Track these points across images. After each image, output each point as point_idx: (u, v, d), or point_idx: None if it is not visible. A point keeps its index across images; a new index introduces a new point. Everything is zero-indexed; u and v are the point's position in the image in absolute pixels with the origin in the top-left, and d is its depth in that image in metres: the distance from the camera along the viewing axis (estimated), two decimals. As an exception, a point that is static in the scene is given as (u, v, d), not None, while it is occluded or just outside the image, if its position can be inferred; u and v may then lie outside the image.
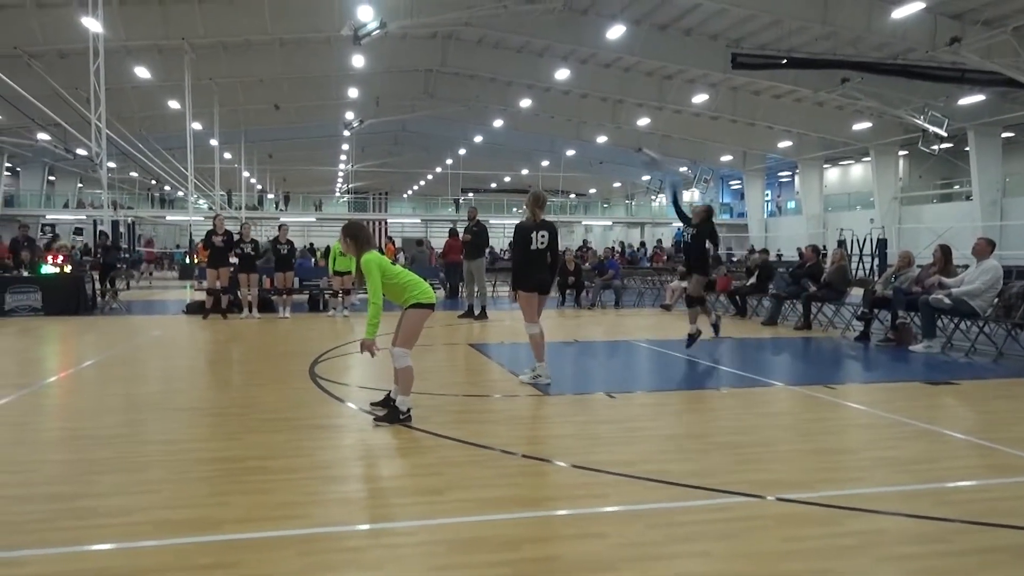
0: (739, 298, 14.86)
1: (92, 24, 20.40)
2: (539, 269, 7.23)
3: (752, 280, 14.84)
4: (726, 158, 44.35)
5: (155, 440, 5.18)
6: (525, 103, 35.31)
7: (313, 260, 20.62)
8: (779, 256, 33.79)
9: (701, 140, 40.31)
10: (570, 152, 47.61)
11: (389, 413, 5.65)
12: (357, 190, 54.99)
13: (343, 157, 50.87)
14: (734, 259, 36.83)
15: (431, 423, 5.57)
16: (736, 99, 33.45)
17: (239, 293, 14.30)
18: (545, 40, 28.70)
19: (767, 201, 47.22)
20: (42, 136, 27.90)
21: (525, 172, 53.48)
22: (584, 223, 58.06)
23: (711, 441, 5.32)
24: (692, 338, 9.45)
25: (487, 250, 17.37)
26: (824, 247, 26.75)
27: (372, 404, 6.09)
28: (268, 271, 15.39)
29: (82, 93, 22.54)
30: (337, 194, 58.72)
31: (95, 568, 3.14)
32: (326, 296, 16.08)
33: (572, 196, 57.41)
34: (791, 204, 46.07)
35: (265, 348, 10.45)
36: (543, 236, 7.19)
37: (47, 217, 41.21)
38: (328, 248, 17.80)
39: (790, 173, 46.16)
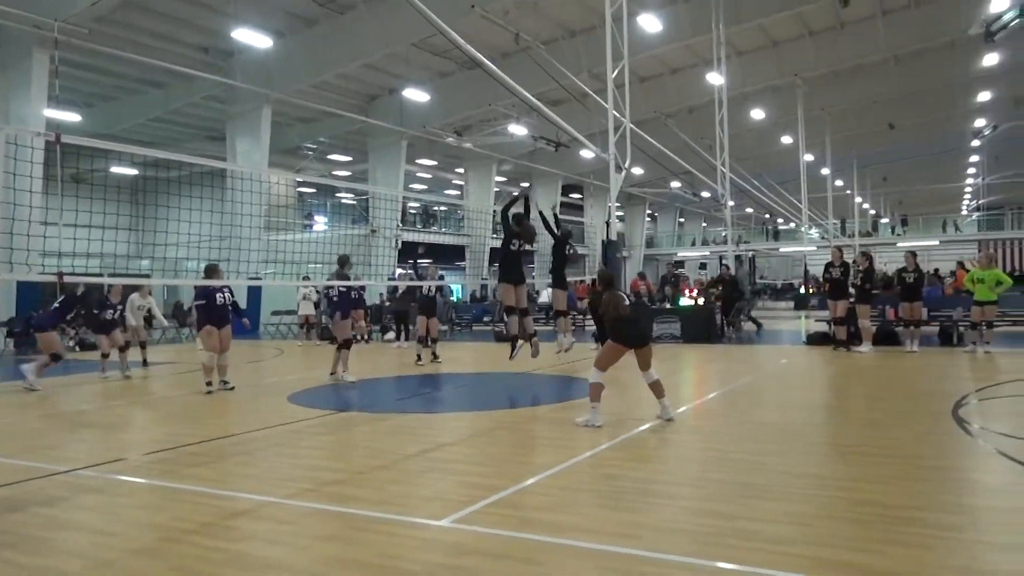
0: None
1: (716, 78, 22.63)
2: None
3: None
4: None
5: (800, 472, 5.30)
6: None
7: (941, 288, 18.72)
8: None
9: None
10: None
11: None
12: (990, 206, 48.13)
13: (971, 170, 45.18)
14: None
15: None
16: None
17: (859, 324, 13.84)
18: None
19: None
20: (674, 184, 31.97)
21: None
22: None
23: None
24: None
25: None
26: None
27: None
28: (891, 301, 14.54)
29: (706, 141, 25.13)
30: (964, 212, 52.41)
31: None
32: (962, 329, 14.38)
33: None
34: None
35: (895, 384, 9.86)
36: None
37: (678, 254, 46.97)
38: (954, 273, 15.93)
39: None
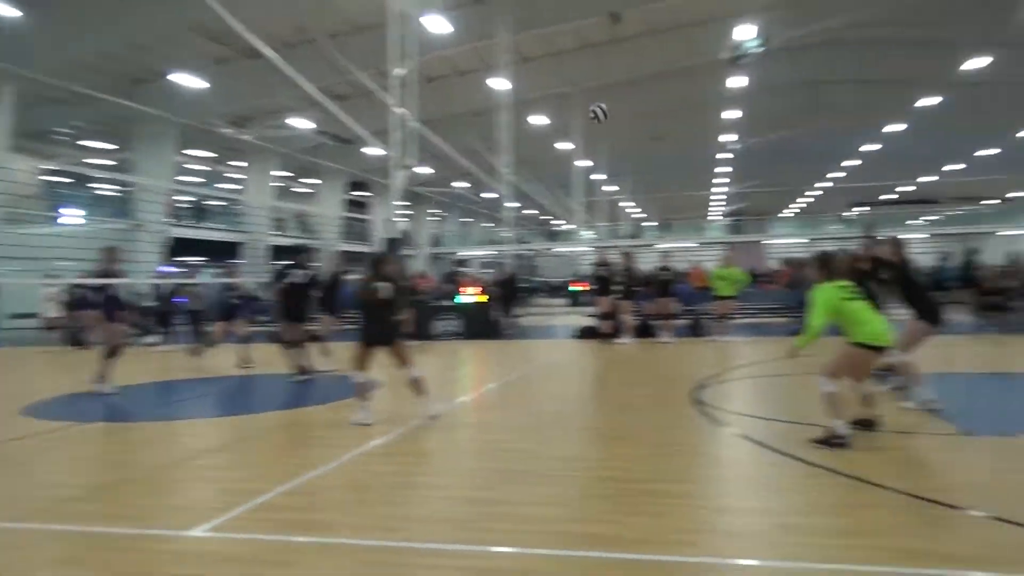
0: None
1: (500, 84, 23.39)
2: None
3: None
4: None
5: (560, 456, 5.66)
6: (927, 102, 31.46)
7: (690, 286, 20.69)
8: None
9: None
10: (986, 152, 41.02)
11: (826, 437, 5.50)
12: (735, 212, 54.12)
13: (721, 180, 50.54)
14: None
15: (825, 458, 5.20)
16: None
17: (621, 318, 14.95)
18: (955, 28, 25.22)
19: None
20: (459, 184, 32.60)
21: (929, 179, 47.51)
22: (1004, 233, 49.29)
23: None
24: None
25: None
26: None
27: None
28: (650, 297, 15.89)
29: (491, 144, 25.91)
30: (713, 217, 58.38)
31: (511, 568, 3.55)
32: (707, 321, 16.03)
33: (992, 202, 49.35)
34: None
35: (649, 372, 10.79)
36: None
37: (462, 253, 47.95)
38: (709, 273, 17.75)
39: None
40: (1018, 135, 35.69)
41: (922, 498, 4.33)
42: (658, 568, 3.48)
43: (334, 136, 25.47)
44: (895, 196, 53.86)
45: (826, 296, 5.56)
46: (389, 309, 6.94)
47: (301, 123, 27.40)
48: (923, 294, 7.00)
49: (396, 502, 4.56)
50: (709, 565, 3.53)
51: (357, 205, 42.28)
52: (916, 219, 49.24)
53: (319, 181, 37.44)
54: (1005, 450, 5.59)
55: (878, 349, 5.58)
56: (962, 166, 44.21)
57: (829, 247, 5.12)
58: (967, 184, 43.71)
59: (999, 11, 22.91)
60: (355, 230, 41.31)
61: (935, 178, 47.02)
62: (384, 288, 6.90)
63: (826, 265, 5.79)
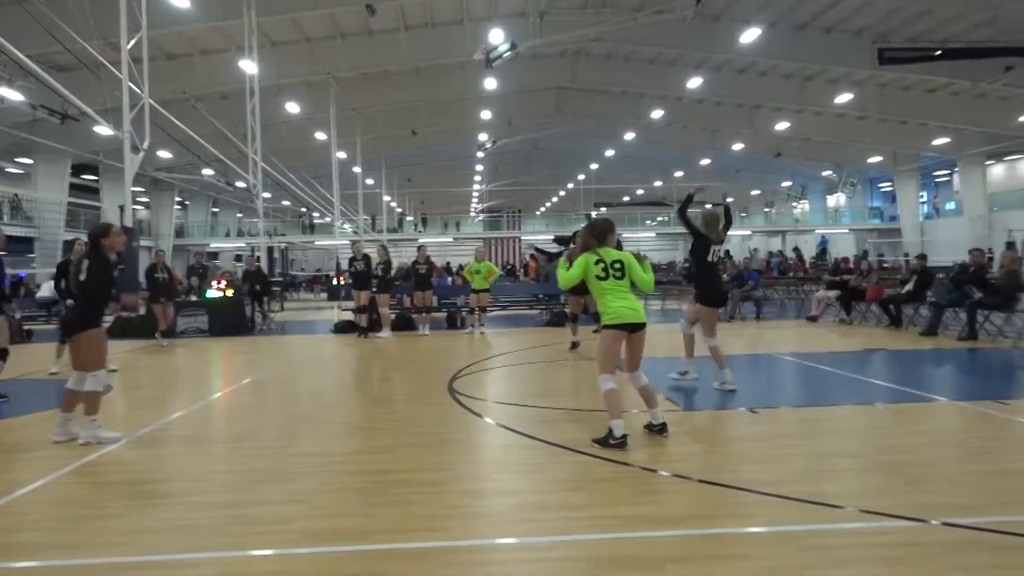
0: (893, 307, 13.97)
1: (248, 66, 22.14)
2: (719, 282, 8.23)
3: (908, 287, 13.92)
4: (874, 159, 41.81)
5: (309, 452, 5.48)
6: (657, 114, 34.89)
7: (451, 279, 21.20)
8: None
9: (845, 142, 38.24)
10: (705, 161, 46.53)
11: (604, 437, 5.28)
12: (491, 209, 56.14)
13: (477, 178, 52.11)
14: (885, 265, 34.57)
15: (568, 438, 5.56)
16: (884, 96, 31.44)
17: (380, 312, 14.88)
18: (677, 50, 28.28)
19: (922, 203, 43.93)
20: (206, 172, 30.39)
21: (659, 184, 52.77)
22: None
23: (868, 460, 5.01)
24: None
25: None
26: (991, 250, 24.72)
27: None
28: (408, 290, 15.98)
29: (240, 130, 24.45)
30: (472, 214, 60.15)
31: (256, 572, 3.38)
32: (463, 314, 16.48)
33: (708, 206, 56.01)
34: (950, 205, 42.62)
35: (407, 365, 10.83)
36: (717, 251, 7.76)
37: (211, 245, 44.86)
38: (461, 267, 18.23)
39: (948, 172, 42.80)
40: (733, 147, 40.82)
41: (649, 469, 4.79)
42: (412, 555, 3.49)
43: (51, 111, 22.45)
44: (628, 199, 59.14)
45: (583, 261, 5.51)
46: (83, 292, 5.80)
47: (11, 94, 23.88)
48: (712, 278, 7.84)
49: (123, 515, 4.13)
50: (464, 548, 3.61)
51: (86, 190, 37.90)
52: (652, 219, 54.68)
53: (31, 161, 32.99)
54: (718, 422, 6.38)
55: (621, 328, 5.40)
56: (681, 173, 49.79)
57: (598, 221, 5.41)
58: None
59: (709, 38, 26.09)
60: (84, 217, 36.96)
61: (660, 183, 52.33)
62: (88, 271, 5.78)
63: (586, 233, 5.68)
